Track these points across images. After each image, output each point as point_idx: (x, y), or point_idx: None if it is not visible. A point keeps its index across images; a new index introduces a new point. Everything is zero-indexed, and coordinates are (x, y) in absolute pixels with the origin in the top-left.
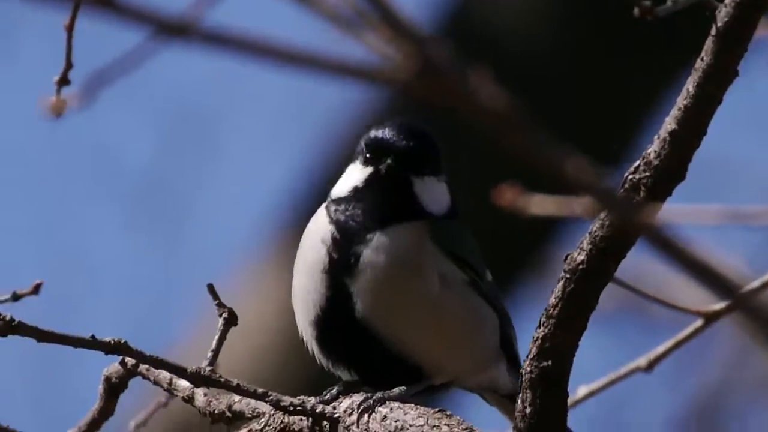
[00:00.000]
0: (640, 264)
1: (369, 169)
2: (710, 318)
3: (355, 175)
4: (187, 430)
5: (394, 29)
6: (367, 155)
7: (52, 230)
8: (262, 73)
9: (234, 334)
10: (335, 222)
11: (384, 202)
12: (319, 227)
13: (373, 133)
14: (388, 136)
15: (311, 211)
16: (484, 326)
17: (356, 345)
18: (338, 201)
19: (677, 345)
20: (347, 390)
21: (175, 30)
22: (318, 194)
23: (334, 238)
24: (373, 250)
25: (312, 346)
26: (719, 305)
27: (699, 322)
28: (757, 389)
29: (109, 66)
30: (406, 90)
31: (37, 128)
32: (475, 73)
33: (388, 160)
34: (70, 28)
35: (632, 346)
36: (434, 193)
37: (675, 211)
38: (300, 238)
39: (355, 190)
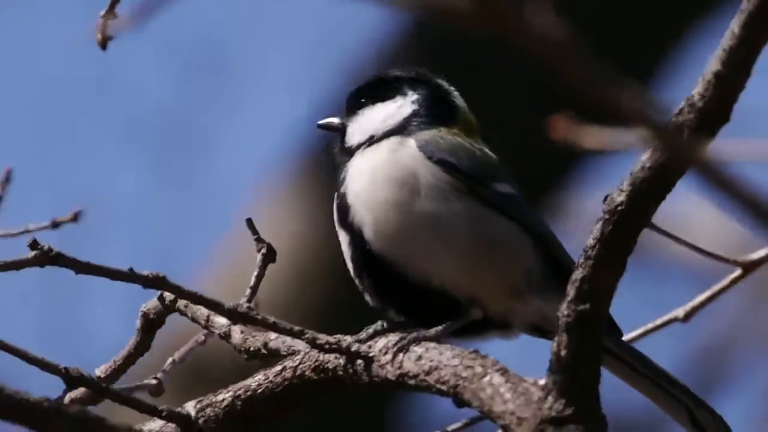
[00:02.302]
0: (678, 211)
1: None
2: (749, 268)
3: None
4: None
5: None
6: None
7: (72, 166)
8: (282, 9)
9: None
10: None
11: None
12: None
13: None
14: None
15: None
16: (502, 241)
17: (384, 280)
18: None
19: (715, 295)
20: (386, 329)
21: None
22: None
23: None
24: (355, 172)
25: (357, 283)
26: (758, 254)
27: (737, 272)
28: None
29: None
30: (467, 21)
31: (59, 65)
32: (534, 4)
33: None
34: None
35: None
36: (380, 117)
37: (725, 148)
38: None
39: None
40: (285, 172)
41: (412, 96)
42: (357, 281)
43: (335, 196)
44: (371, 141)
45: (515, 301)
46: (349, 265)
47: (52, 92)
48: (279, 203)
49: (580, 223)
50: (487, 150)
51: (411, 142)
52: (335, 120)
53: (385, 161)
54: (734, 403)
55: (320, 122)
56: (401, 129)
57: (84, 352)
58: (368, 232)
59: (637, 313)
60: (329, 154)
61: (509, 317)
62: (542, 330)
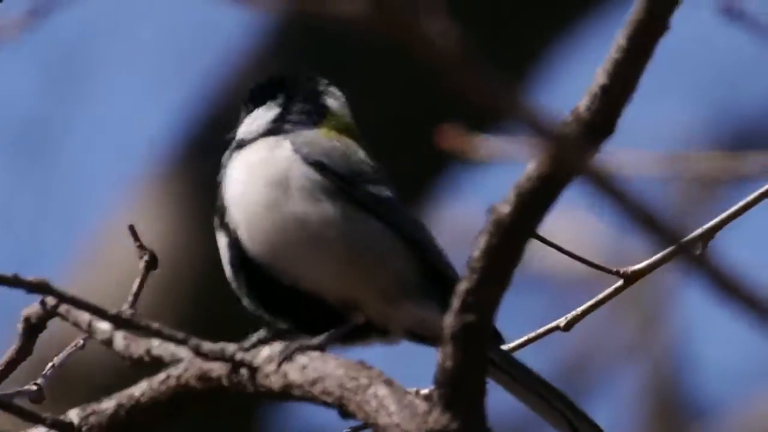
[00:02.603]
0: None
1: None
2: (630, 278)
3: None
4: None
5: None
6: None
7: None
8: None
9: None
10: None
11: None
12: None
13: None
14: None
15: (193, 148)
16: (371, 244)
17: (259, 285)
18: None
19: (596, 305)
20: (270, 337)
21: None
22: (197, 134)
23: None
24: (231, 174)
25: (235, 288)
26: (639, 265)
27: (619, 283)
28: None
29: None
30: (360, 25)
31: None
32: (427, 10)
33: None
34: None
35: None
36: (255, 123)
37: (609, 159)
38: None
39: None
40: (150, 175)
41: (281, 99)
42: (234, 286)
43: (216, 198)
44: (246, 143)
45: (389, 306)
46: (227, 269)
47: None
48: (145, 207)
49: (452, 233)
50: (364, 152)
51: (287, 144)
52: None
53: (260, 161)
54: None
55: (227, 137)
56: (277, 130)
57: None
58: (242, 235)
59: (514, 322)
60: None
61: (386, 323)
62: (421, 336)
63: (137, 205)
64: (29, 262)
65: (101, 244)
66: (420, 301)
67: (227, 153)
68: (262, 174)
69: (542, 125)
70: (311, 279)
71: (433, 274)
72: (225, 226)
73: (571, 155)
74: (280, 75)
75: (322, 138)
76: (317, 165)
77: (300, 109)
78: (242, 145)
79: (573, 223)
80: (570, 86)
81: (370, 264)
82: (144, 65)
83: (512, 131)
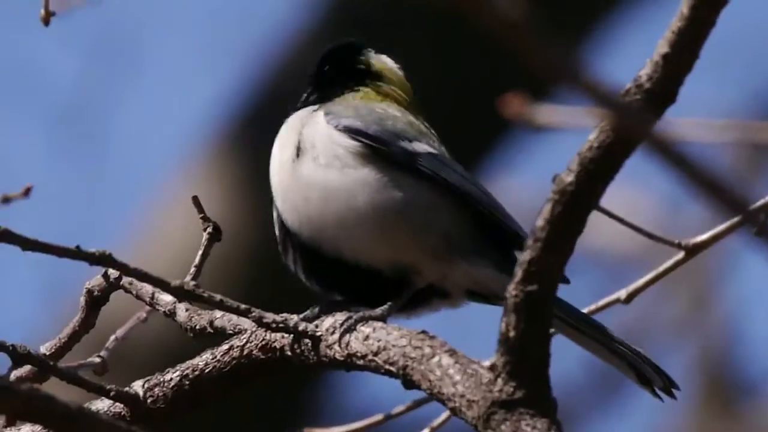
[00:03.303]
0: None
1: None
2: (691, 251)
3: None
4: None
5: None
6: None
7: None
8: None
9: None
10: None
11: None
12: None
13: None
14: None
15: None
16: (409, 203)
17: (308, 260)
18: None
19: (657, 278)
20: (331, 308)
21: None
22: (249, 108)
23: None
24: (274, 146)
25: (292, 269)
26: (700, 237)
27: (680, 255)
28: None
29: None
30: None
31: None
32: None
33: None
34: None
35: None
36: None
37: (674, 126)
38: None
39: None
40: (206, 149)
41: (326, 70)
42: (284, 260)
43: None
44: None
45: (442, 264)
46: (279, 243)
47: None
48: (202, 181)
49: (515, 202)
50: (405, 114)
51: (320, 112)
52: None
53: (292, 133)
54: None
55: None
56: (315, 101)
57: None
58: (281, 208)
59: (574, 295)
60: None
61: (444, 284)
62: (480, 295)
63: (194, 180)
64: (89, 238)
65: (160, 217)
66: (474, 257)
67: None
68: (292, 145)
69: (604, 94)
70: (351, 248)
71: (489, 227)
72: (272, 201)
73: (633, 123)
74: (329, 47)
75: (357, 103)
76: (348, 130)
77: (340, 78)
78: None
79: (633, 195)
80: (632, 55)
81: (410, 224)
82: (196, 41)
83: (575, 100)
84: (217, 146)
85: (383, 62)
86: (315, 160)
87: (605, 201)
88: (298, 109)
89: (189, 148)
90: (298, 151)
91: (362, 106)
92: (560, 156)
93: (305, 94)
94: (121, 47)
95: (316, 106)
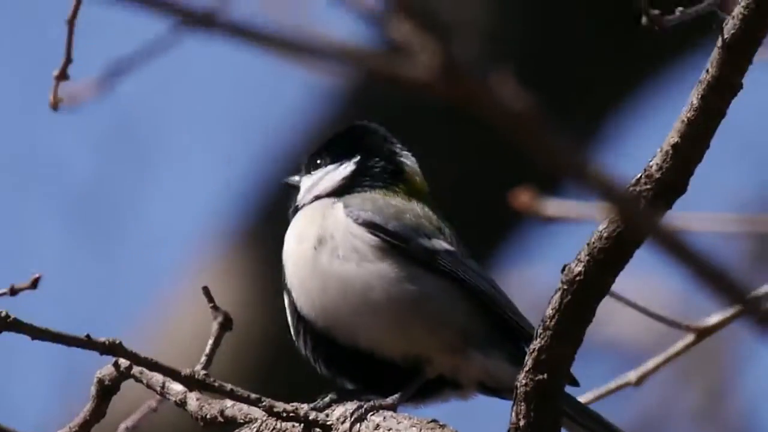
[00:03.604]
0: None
1: None
2: (702, 333)
3: None
4: None
5: (419, 27)
6: None
7: None
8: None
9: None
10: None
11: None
12: None
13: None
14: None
15: (261, 213)
16: (429, 297)
17: (320, 348)
18: None
19: (667, 360)
20: (342, 397)
21: (197, 20)
22: (267, 197)
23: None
24: (288, 234)
25: (301, 350)
26: (711, 321)
27: (690, 338)
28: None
29: (126, 56)
30: (428, 89)
31: None
32: (496, 75)
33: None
34: (71, 22)
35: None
36: (325, 179)
37: (681, 218)
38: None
39: None
40: (219, 239)
41: (356, 158)
42: (298, 347)
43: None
44: (311, 202)
45: (457, 357)
46: (291, 330)
47: None
48: (215, 270)
49: (525, 293)
50: (423, 209)
51: (339, 205)
52: (296, 178)
53: (310, 223)
54: None
55: (284, 180)
56: (338, 191)
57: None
58: (297, 297)
59: (585, 381)
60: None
61: (456, 376)
62: (490, 388)
63: (207, 269)
64: (101, 326)
65: (172, 307)
66: (488, 351)
67: (294, 206)
68: (311, 236)
69: (612, 186)
70: (367, 338)
71: (500, 324)
72: (286, 288)
73: (642, 215)
74: (359, 128)
75: (378, 197)
76: (368, 224)
77: (367, 170)
78: (308, 203)
79: (643, 282)
80: (640, 146)
81: (427, 319)
82: (210, 128)
83: (583, 192)
84: (232, 238)
85: (410, 158)
86: (333, 252)
87: (619, 286)
88: (317, 192)
89: (203, 239)
90: (318, 242)
91: (381, 199)
92: (574, 247)
93: (325, 173)
94: (136, 139)
95: (335, 198)
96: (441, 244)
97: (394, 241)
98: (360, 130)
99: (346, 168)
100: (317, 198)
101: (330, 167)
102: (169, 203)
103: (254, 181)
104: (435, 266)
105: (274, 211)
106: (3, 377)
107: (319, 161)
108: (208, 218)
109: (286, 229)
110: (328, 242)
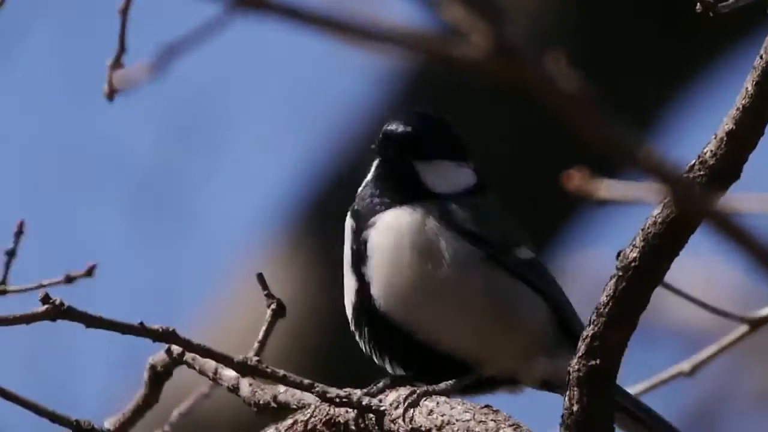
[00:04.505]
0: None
1: (377, 160)
2: (755, 324)
3: (371, 168)
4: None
5: (471, 8)
6: (376, 147)
7: (56, 226)
8: (268, 67)
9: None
10: (352, 214)
11: (388, 187)
12: (346, 223)
13: (384, 126)
14: (390, 125)
15: (319, 203)
16: (516, 306)
17: (387, 336)
18: (358, 195)
19: (721, 350)
20: (394, 383)
21: (249, 2)
22: (326, 186)
23: (352, 230)
24: (377, 232)
25: (357, 338)
26: (765, 311)
27: (744, 328)
28: (754, 402)
29: (179, 40)
30: (480, 68)
31: (40, 123)
32: (549, 56)
33: (386, 149)
34: (124, 12)
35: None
36: (448, 177)
37: (737, 201)
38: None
39: (367, 183)
40: (273, 229)
41: (470, 165)
42: (355, 330)
43: (351, 237)
44: (418, 200)
45: (526, 362)
46: (349, 313)
47: (26, 149)
48: (270, 259)
49: (581, 278)
50: (507, 214)
51: (443, 211)
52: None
53: (413, 225)
54: None
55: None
56: (448, 195)
57: (70, 408)
58: (378, 289)
59: (640, 369)
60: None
61: (518, 376)
62: (551, 384)
63: (262, 257)
64: (156, 311)
65: (226, 294)
66: (553, 352)
67: (419, 185)
68: (412, 239)
69: (665, 170)
70: (450, 341)
71: (564, 326)
72: (359, 273)
73: (697, 200)
74: (452, 124)
75: (478, 204)
76: (469, 234)
77: (478, 179)
78: (394, 201)
79: (700, 268)
80: (695, 133)
81: (513, 327)
82: (268, 117)
83: (639, 175)
84: (290, 228)
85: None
86: (432, 257)
87: (675, 273)
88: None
89: (261, 229)
90: (414, 246)
91: (480, 208)
92: (630, 230)
93: (444, 172)
94: (196, 127)
95: (433, 201)
96: (527, 252)
97: (491, 251)
98: (455, 127)
99: (468, 176)
100: (440, 196)
101: (452, 165)
102: (229, 192)
103: (316, 167)
104: (522, 275)
105: (334, 198)
106: (66, 364)
107: (432, 147)
108: (269, 206)
109: (343, 219)
110: (430, 248)
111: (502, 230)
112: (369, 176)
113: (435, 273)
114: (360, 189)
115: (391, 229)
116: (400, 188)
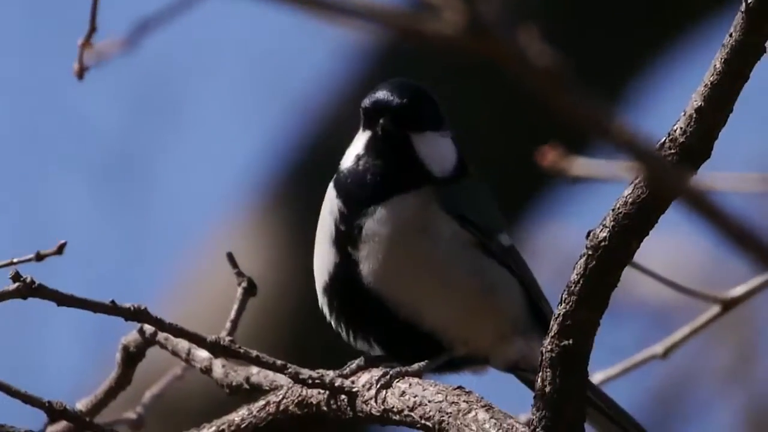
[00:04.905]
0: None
1: (367, 133)
2: (728, 305)
3: (357, 142)
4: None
5: None
6: (364, 119)
7: (21, 201)
8: (237, 39)
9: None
10: (341, 194)
11: (385, 167)
12: (328, 199)
13: (368, 96)
14: (382, 96)
15: (290, 176)
16: (497, 290)
17: (366, 313)
18: (344, 171)
19: (693, 332)
20: (367, 364)
21: None
22: (296, 159)
23: (340, 211)
24: (376, 222)
25: (327, 313)
26: (737, 291)
27: (716, 309)
28: (720, 381)
29: (151, 16)
30: (453, 45)
31: (6, 97)
32: (522, 31)
33: (382, 120)
34: None
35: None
36: (438, 150)
37: (707, 179)
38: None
39: (357, 158)
40: (248, 202)
41: (448, 132)
42: (326, 305)
43: (339, 217)
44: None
45: (500, 343)
46: (320, 286)
47: None
48: (243, 235)
49: (551, 256)
50: (493, 200)
51: (439, 195)
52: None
53: (409, 209)
54: None
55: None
56: (444, 179)
57: (41, 388)
58: (367, 266)
59: (611, 350)
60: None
61: (490, 356)
62: (519, 368)
63: (235, 233)
64: (126, 292)
65: (199, 271)
66: (526, 335)
67: (411, 160)
68: (406, 221)
69: (638, 148)
70: (433, 320)
71: (536, 309)
72: (343, 253)
73: (668, 178)
74: (430, 94)
75: (466, 187)
76: (462, 219)
77: (449, 150)
78: (392, 185)
79: (671, 246)
80: (665, 110)
81: (495, 309)
82: (237, 91)
83: (611, 151)
84: (261, 200)
85: None
86: (425, 239)
87: (647, 252)
88: (436, 166)
89: (232, 201)
90: (406, 225)
91: (469, 191)
92: (602, 208)
93: (432, 145)
94: (163, 99)
95: (435, 186)
96: (507, 238)
97: (482, 238)
98: (433, 96)
99: (451, 149)
100: (437, 178)
101: (439, 137)
102: (198, 164)
103: (284, 141)
104: (504, 260)
105: (304, 172)
106: (38, 344)
107: (425, 121)
108: (237, 180)
109: (317, 190)
110: (425, 231)
111: (490, 216)
112: (359, 148)
113: (428, 256)
114: (347, 161)
115: (392, 221)
116: (398, 168)
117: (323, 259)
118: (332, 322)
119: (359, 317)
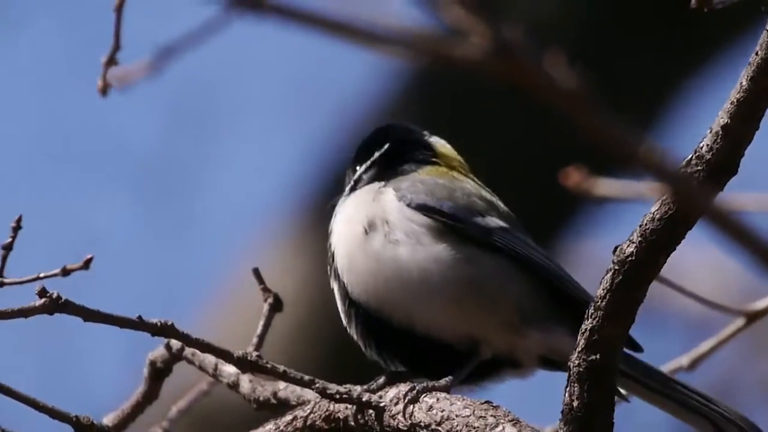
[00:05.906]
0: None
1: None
2: (752, 317)
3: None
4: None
5: (471, 10)
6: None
7: (63, 213)
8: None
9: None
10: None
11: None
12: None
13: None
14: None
15: (326, 195)
16: (482, 275)
17: (371, 329)
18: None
19: (719, 344)
20: (394, 379)
21: (246, 3)
22: (332, 178)
23: (329, 231)
24: (337, 221)
25: (350, 332)
26: (761, 304)
27: (740, 321)
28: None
29: (177, 39)
30: (481, 70)
31: (45, 111)
32: (548, 55)
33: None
34: (119, 9)
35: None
36: (361, 171)
37: (737, 199)
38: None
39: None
40: (280, 220)
41: (386, 146)
42: (349, 331)
43: (328, 245)
44: (353, 189)
45: (514, 336)
46: (342, 315)
47: (36, 136)
48: (273, 253)
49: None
50: (474, 186)
51: (389, 189)
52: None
53: (360, 208)
54: None
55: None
56: (381, 177)
57: (81, 400)
58: (347, 281)
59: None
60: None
61: (515, 354)
62: (553, 362)
63: (272, 249)
64: (158, 306)
65: (237, 287)
66: (549, 326)
67: (339, 200)
68: (362, 221)
69: (664, 167)
70: (423, 321)
71: (560, 297)
72: (335, 273)
73: (694, 195)
74: (383, 126)
75: (426, 179)
76: (423, 208)
77: (404, 155)
78: (350, 192)
79: (698, 261)
80: (692, 128)
81: (484, 299)
82: (277, 108)
83: (636, 171)
84: (298, 217)
85: (441, 141)
86: (387, 236)
87: (676, 265)
88: (355, 186)
89: (270, 217)
90: (369, 227)
91: (430, 180)
92: (629, 226)
93: (362, 170)
94: (202, 117)
95: (381, 183)
96: (495, 221)
97: (449, 222)
98: (383, 129)
99: (378, 154)
100: (354, 188)
101: (366, 164)
102: (237, 180)
103: (319, 160)
104: (491, 244)
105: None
106: (77, 359)
107: (356, 167)
108: (275, 196)
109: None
110: (381, 227)
111: (459, 201)
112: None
113: (390, 252)
114: None
115: (345, 214)
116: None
117: (333, 284)
118: (359, 342)
119: (371, 334)
